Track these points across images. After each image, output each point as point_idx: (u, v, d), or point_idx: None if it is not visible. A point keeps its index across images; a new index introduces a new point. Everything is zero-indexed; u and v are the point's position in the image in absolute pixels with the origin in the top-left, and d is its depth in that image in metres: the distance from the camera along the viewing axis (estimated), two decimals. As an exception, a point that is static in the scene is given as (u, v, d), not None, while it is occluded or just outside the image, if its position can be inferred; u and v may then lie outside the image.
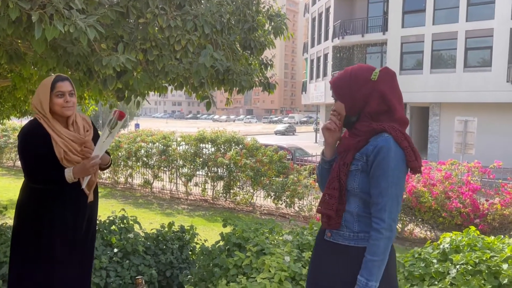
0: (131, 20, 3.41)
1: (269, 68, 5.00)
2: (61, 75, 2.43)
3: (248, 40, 4.46)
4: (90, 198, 2.37)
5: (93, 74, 3.51)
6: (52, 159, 2.23)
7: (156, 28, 3.44)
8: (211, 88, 4.21)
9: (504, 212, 6.67)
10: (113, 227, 3.38)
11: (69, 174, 2.19)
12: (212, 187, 10.48)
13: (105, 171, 12.66)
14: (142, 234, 3.54)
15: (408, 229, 7.83)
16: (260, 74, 4.81)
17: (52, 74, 4.00)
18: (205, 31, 3.60)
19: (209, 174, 10.32)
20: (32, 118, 2.42)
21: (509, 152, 16.00)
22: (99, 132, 2.61)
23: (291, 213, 9.24)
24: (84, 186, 2.25)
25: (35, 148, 2.23)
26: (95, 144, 2.40)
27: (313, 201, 8.93)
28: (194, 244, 3.67)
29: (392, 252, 1.61)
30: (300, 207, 9.06)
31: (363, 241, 1.58)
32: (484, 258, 2.21)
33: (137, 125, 29.24)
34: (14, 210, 2.35)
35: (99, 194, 9.78)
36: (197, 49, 3.74)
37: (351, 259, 1.58)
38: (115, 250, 3.17)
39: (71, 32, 2.66)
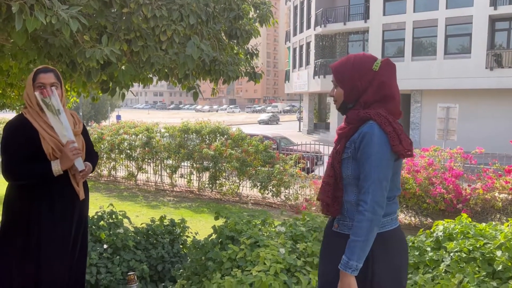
0: (115, 10, 3.31)
1: (254, 57, 4.96)
2: (47, 67, 2.34)
3: (234, 29, 4.39)
4: (81, 195, 2.31)
5: (76, 66, 3.40)
6: (39, 155, 2.17)
7: (141, 18, 3.34)
8: (195, 79, 4.14)
9: (486, 196, 6.82)
10: (102, 222, 3.31)
11: (56, 167, 2.14)
12: (197, 178, 10.42)
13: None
14: (132, 229, 3.48)
15: (393, 215, 7.94)
16: (247, 63, 4.76)
17: (32, 66, 3.88)
18: (190, 22, 3.52)
19: (195, 165, 10.25)
20: (19, 113, 2.33)
21: (489, 137, 16.36)
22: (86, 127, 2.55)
23: (278, 202, 9.28)
24: (80, 169, 2.21)
25: (21, 144, 2.16)
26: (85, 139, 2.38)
27: (299, 190, 8.98)
28: (185, 238, 3.63)
29: (402, 246, 1.62)
30: (286, 196, 9.10)
31: None
32: (477, 246, 2.24)
33: (118, 117, 28.77)
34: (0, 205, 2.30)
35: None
36: (182, 39, 3.65)
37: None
38: (105, 246, 3.11)
39: (53, 23, 2.55)
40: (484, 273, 2.09)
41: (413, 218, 7.78)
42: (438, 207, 6.96)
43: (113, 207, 3.52)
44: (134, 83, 4.30)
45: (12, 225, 2.21)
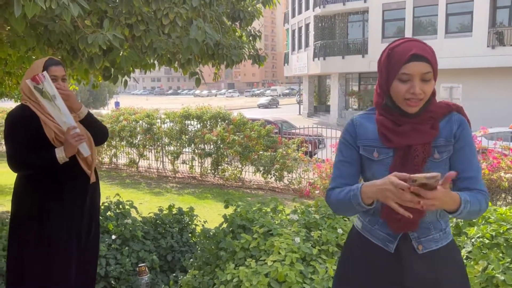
0: (115, -7, 3.18)
1: (257, 39, 4.83)
2: (53, 58, 2.29)
3: (237, 11, 4.27)
4: (92, 178, 2.29)
5: (77, 53, 3.29)
6: (42, 142, 2.13)
7: (142, 1, 3.22)
8: (198, 64, 4.03)
9: (492, 177, 6.77)
10: (109, 213, 3.25)
11: (60, 154, 2.10)
12: (200, 164, 10.37)
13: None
14: (140, 219, 3.43)
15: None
16: (250, 46, 4.63)
17: (31, 53, 3.76)
18: (193, 4, 3.40)
19: (196, 151, 10.18)
20: (19, 103, 2.27)
21: (493, 117, 16.24)
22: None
23: (281, 187, 9.25)
24: (85, 155, 2.18)
25: (24, 133, 2.12)
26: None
27: (303, 173, 8.93)
28: (194, 226, 3.58)
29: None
30: (289, 180, 9.06)
31: (449, 235, 1.45)
32: (500, 231, 2.18)
33: (117, 103, 28.56)
34: (3, 195, 2.25)
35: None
36: (185, 23, 3.53)
37: (446, 260, 1.41)
38: (113, 237, 3.06)
39: (53, 8, 2.45)
40: (509, 259, 2.04)
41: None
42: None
43: (120, 197, 3.46)
44: (135, 69, 4.20)
45: (21, 217, 2.19)
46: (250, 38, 4.71)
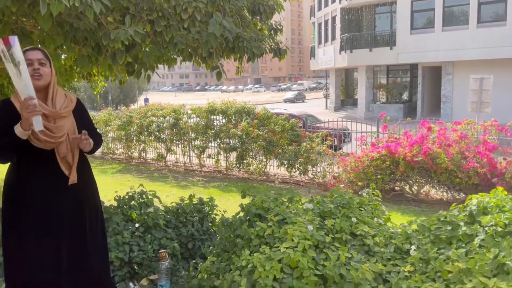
0: (136, -9, 3.29)
1: (278, 33, 4.85)
2: (33, 47, 2.30)
3: (257, 5, 4.31)
4: (73, 179, 2.24)
5: (101, 49, 3.43)
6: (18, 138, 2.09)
7: (162, -2, 3.32)
8: (220, 57, 4.11)
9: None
10: (133, 202, 3.39)
11: (18, 129, 2.05)
12: (225, 158, 10.50)
13: (117, 148, 12.74)
14: (162, 208, 3.55)
15: (423, 191, 7.79)
16: (271, 40, 4.67)
17: (59, 52, 3.95)
18: (211, -2, 3.47)
19: (222, 146, 10.31)
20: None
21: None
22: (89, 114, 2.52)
23: (305, 180, 9.25)
24: (37, 129, 2.07)
25: (1, 120, 2.12)
26: (80, 129, 2.29)
27: (327, 167, 8.91)
28: (214, 216, 3.68)
29: None
30: (314, 174, 9.06)
31: None
32: (514, 219, 2.16)
33: (146, 100, 29.21)
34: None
35: (114, 170, 9.80)
36: (204, 17, 3.61)
37: None
38: (136, 225, 3.20)
39: (77, 6, 2.58)
40: (521, 247, 2.02)
41: (445, 194, 7.60)
42: (472, 182, 6.76)
43: (143, 187, 3.59)
44: (159, 65, 4.32)
45: (6, 207, 2.23)
46: (272, 32, 4.75)
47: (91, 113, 15.94)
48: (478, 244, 2.17)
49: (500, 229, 2.16)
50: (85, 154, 2.38)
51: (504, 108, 14.80)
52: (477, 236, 2.22)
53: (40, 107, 2.09)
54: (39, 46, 3.85)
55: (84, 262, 2.32)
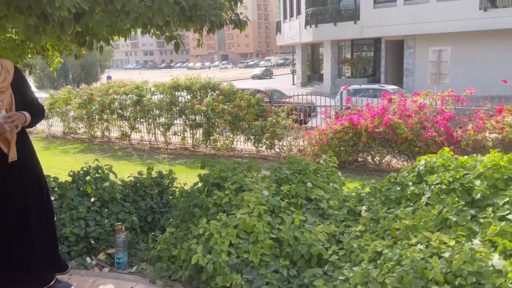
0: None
1: (238, 3, 4.75)
2: None
3: (215, -28, 4.18)
4: (12, 156, 2.15)
5: (48, 18, 3.25)
6: None
7: (112, -37, 3.16)
8: (177, 27, 3.99)
9: (477, 137, 6.85)
10: (88, 177, 3.31)
11: None
12: (191, 135, 10.40)
13: (79, 127, 12.35)
14: (119, 183, 3.49)
15: (385, 161, 8.02)
16: (230, 10, 4.56)
17: (4, 21, 3.72)
18: (164, -36, 3.34)
19: (187, 122, 10.19)
20: None
21: (483, 80, 16.21)
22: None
23: (272, 155, 9.32)
24: None
25: None
26: (19, 101, 2.18)
27: (293, 141, 9.00)
28: (174, 189, 3.65)
29: None
30: (280, 148, 9.13)
31: None
32: (457, 177, 2.25)
33: (108, 77, 28.28)
34: None
35: (76, 150, 9.51)
36: (158, -17, 3.47)
37: None
38: (92, 199, 3.13)
39: (15, -31, 2.41)
40: (463, 202, 2.12)
41: (405, 163, 7.85)
42: (430, 150, 7.00)
43: (99, 162, 3.51)
44: (113, 36, 4.15)
45: None
46: (232, 1, 4.64)
47: (50, 92, 15.32)
48: (424, 202, 2.26)
49: (444, 186, 2.25)
50: (26, 129, 2.26)
51: (462, 79, 15.30)
52: (424, 194, 2.31)
53: None
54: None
55: (28, 239, 2.25)
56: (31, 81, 29.09)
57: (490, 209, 2.01)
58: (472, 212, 2.05)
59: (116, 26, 3.71)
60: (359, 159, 8.02)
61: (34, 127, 13.76)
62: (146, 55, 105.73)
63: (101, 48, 3.82)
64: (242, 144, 9.90)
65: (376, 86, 16.57)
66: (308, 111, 11.51)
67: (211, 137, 9.98)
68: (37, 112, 2.29)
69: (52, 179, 3.26)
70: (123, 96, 11.06)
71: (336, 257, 2.21)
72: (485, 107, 7.56)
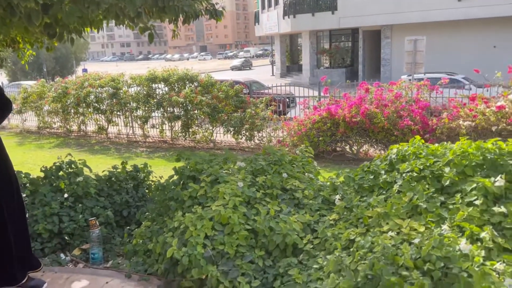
0: None
1: (213, -7, 4.69)
2: None
3: (187, -38, 4.11)
4: None
5: (14, 9, 3.14)
6: None
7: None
8: (150, 18, 3.91)
9: (451, 125, 6.99)
10: (61, 172, 3.24)
11: None
12: (170, 128, 10.30)
13: (55, 122, 12.07)
14: (93, 177, 3.43)
15: (363, 150, 8.13)
16: (205, 1, 4.50)
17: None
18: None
19: (165, 115, 10.08)
20: None
21: (457, 68, 16.54)
22: None
23: (252, 146, 9.32)
24: None
25: None
26: None
27: (272, 132, 9.02)
28: (150, 182, 3.62)
29: None
30: (259, 139, 9.14)
31: None
32: (428, 164, 2.30)
33: (84, 70, 27.68)
34: None
35: (51, 145, 9.33)
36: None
37: None
38: (66, 195, 3.07)
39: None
40: (433, 189, 2.17)
41: (382, 152, 7.96)
42: (406, 139, 7.11)
43: (72, 156, 3.43)
44: (85, 27, 4.05)
45: None
46: (206, -9, 4.57)
47: (24, 84, 14.88)
48: (396, 190, 2.30)
49: (415, 174, 2.30)
50: None
51: (437, 69, 15.57)
52: (395, 182, 2.35)
53: None
54: None
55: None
56: (2, 75, 28.21)
57: (458, 195, 2.07)
58: (442, 198, 2.10)
59: (87, 17, 3.62)
60: (338, 149, 8.10)
61: (7, 122, 13.40)
62: (123, 47, 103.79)
63: (71, 40, 3.73)
64: (222, 136, 9.87)
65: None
66: (287, 102, 11.54)
67: (190, 130, 9.90)
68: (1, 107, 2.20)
69: (23, 175, 3.18)
70: (99, 89, 10.84)
71: (311, 246, 2.24)
72: (459, 95, 7.74)
